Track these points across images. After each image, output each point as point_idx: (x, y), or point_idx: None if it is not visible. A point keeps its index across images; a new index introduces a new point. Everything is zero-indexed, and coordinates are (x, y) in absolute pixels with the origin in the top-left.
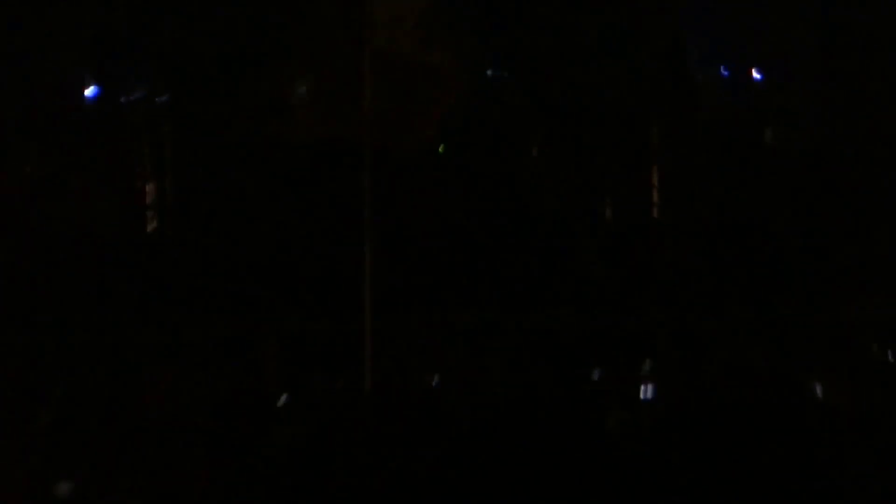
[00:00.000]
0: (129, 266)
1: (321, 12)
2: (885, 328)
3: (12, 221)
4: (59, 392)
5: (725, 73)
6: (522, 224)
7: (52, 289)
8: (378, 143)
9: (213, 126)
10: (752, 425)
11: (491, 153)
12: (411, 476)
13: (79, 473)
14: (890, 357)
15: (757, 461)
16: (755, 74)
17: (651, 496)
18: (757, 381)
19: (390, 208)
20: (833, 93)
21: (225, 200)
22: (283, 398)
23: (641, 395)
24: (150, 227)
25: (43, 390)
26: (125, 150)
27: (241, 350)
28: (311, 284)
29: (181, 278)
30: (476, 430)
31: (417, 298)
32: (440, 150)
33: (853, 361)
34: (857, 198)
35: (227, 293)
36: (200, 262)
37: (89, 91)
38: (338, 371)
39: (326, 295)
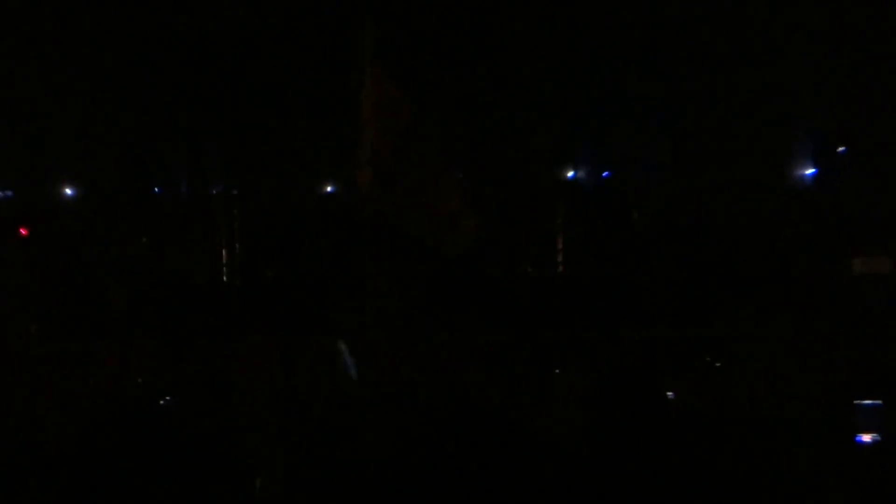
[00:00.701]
0: (211, 300)
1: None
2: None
3: (134, 273)
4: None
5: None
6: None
7: (160, 317)
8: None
9: (268, 212)
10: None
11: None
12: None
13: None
14: (717, 365)
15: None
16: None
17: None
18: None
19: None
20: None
21: (271, 261)
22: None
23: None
24: (225, 277)
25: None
26: (210, 227)
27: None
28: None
29: (243, 309)
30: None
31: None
32: None
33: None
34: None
35: (271, 318)
36: (255, 300)
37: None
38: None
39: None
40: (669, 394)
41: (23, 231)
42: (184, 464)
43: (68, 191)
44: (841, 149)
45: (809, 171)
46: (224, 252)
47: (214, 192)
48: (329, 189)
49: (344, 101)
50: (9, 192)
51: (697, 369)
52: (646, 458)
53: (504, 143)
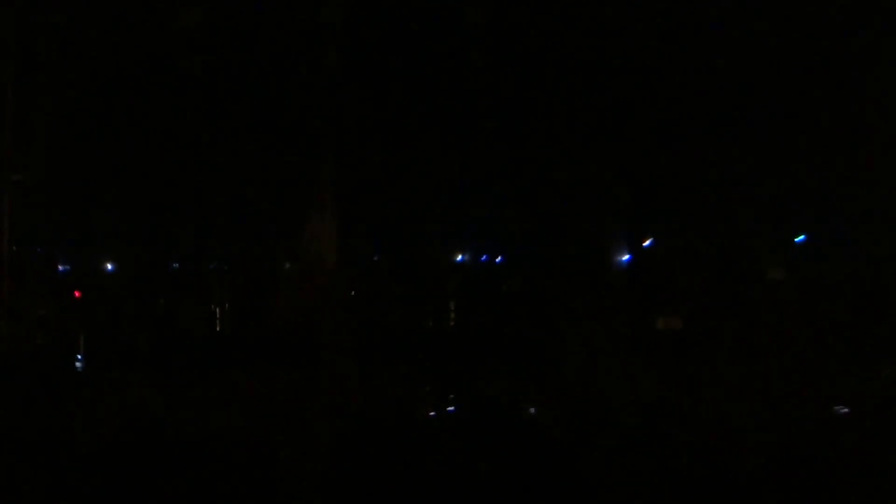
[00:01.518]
0: (207, 344)
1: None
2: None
3: (155, 324)
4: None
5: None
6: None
7: (172, 355)
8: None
9: (251, 282)
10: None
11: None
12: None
13: None
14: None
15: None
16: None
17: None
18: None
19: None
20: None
21: (252, 315)
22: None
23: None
24: (218, 328)
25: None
26: (207, 294)
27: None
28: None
29: (233, 352)
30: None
31: None
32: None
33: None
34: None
35: (255, 358)
36: (240, 345)
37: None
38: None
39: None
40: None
41: (76, 294)
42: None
43: (109, 266)
44: (648, 242)
45: (625, 257)
46: (217, 310)
47: (211, 267)
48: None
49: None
50: (67, 267)
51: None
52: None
53: (415, 242)
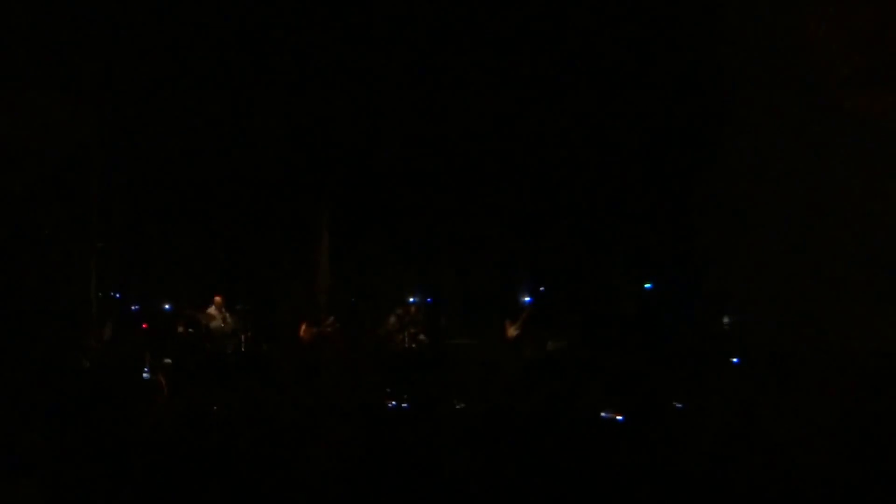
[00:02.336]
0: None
1: None
2: None
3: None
4: None
5: None
6: None
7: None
8: None
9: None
10: None
11: None
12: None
13: None
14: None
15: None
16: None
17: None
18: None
19: None
20: None
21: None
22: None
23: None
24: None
25: None
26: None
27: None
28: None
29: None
30: None
31: None
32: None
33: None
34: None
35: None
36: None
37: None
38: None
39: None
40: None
41: (144, 325)
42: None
43: (166, 306)
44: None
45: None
46: (243, 337)
47: (237, 307)
48: None
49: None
50: (136, 306)
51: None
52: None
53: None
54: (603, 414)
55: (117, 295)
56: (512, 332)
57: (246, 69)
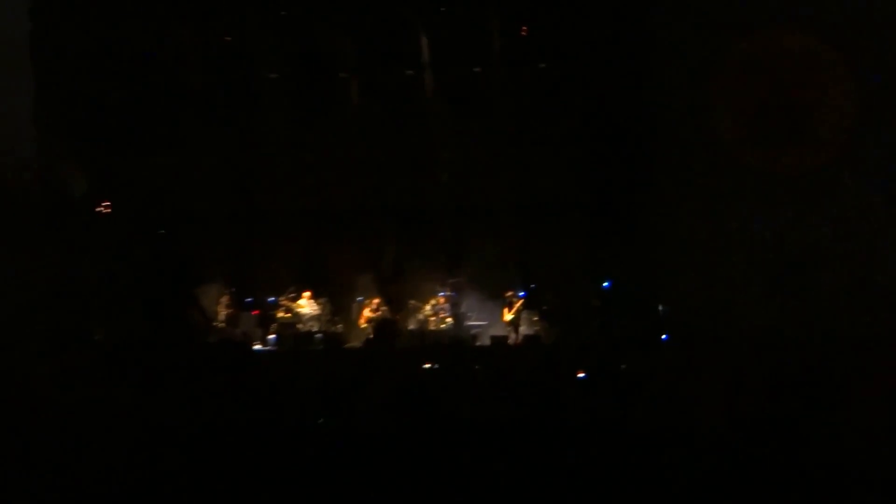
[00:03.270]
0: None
1: None
2: None
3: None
4: None
5: None
6: None
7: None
8: None
9: None
10: None
11: None
12: None
13: None
14: None
15: None
16: None
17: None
18: None
19: None
20: None
21: None
22: None
23: None
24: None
25: None
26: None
27: None
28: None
29: None
30: None
31: None
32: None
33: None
34: None
35: None
36: None
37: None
38: None
39: None
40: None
41: (255, 312)
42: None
43: (270, 298)
44: None
45: None
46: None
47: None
48: None
49: None
50: (250, 299)
51: None
52: None
53: None
54: (580, 375)
55: (232, 290)
56: (508, 316)
57: None
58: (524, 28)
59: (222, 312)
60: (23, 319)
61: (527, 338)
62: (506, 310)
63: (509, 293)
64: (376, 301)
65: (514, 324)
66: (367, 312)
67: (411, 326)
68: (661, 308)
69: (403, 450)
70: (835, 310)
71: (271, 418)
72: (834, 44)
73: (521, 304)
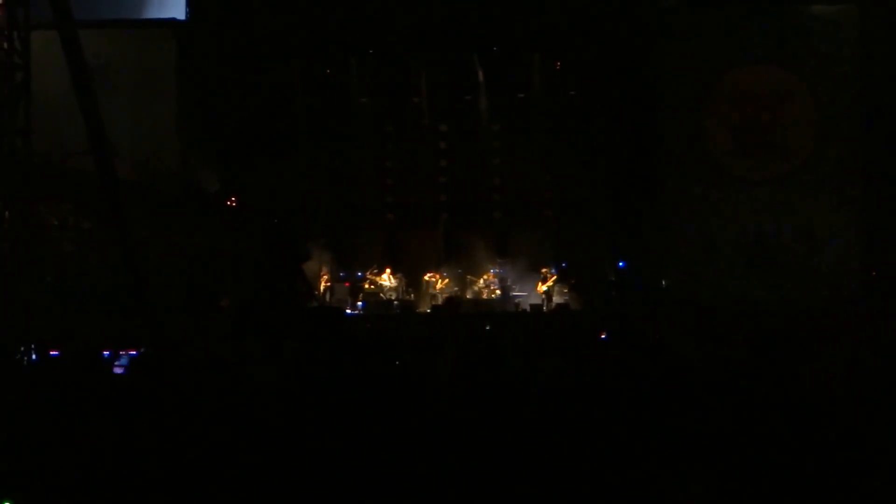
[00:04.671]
0: None
1: None
2: None
3: None
4: None
5: None
6: None
7: None
8: None
9: None
10: None
11: None
12: None
13: None
14: None
15: None
16: None
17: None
18: None
19: None
20: None
21: None
22: None
23: None
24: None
25: None
26: None
27: None
28: None
29: None
30: None
31: None
32: None
33: None
34: None
35: None
36: None
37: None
38: None
39: None
40: None
41: (346, 284)
42: None
43: (359, 273)
44: None
45: None
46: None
47: None
48: None
49: None
50: (343, 273)
51: None
52: None
53: None
54: (602, 336)
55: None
56: (542, 287)
57: None
58: (557, 62)
59: (321, 284)
60: (168, 287)
61: (559, 306)
62: (540, 283)
63: (544, 270)
64: (441, 276)
65: (549, 294)
66: (434, 285)
67: (468, 296)
68: (663, 282)
69: (464, 394)
70: (793, 284)
71: (359, 366)
72: (799, 75)
73: (554, 279)
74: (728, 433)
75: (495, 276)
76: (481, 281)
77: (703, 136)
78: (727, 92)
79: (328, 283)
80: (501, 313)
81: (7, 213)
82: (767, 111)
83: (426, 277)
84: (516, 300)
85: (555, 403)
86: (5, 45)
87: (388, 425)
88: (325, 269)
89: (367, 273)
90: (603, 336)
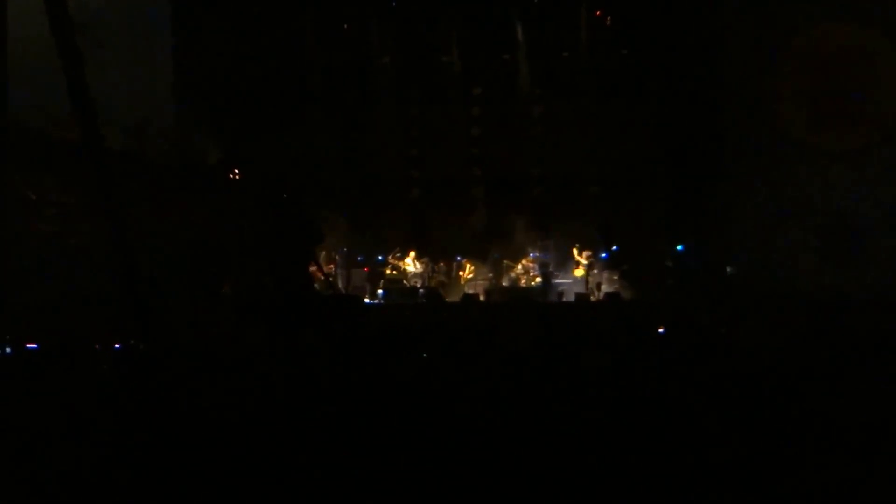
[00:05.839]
0: None
1: None
2: None
3: None
4: None
5: None
6: None
7: None
8: None
9: None
10: None
11: None
12: None
13: None
14: None
15: None
16: None
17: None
18: None
19: None
20: None
21: None
22: None
23: None
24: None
25: None
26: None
27: None
28: None
29: None
30: None
31: None
32: None
33: None
34: None
35: None
36: None
37: None
38: None
39: None
40: None
41: (366, 269)
42: None
43: (379, 257)
44: None
45: None
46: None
47: None
48: None
49: None
50: (361, 257)
51: None
52: None
53: None
54: (660, 330)
55: (345, 250)
56: (577, 272)
57: None
58: (607, 17)
59: (337, 269)
60: (163, 271)
61: (608, 295)
62: (578, 267)
63: (584, 253)
64: (472, 261)
65: (597, 282)
66: (465, 271)
67: (504, 283)
68: (728, 270)
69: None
70: (877, 273)
71: (379, 359)
72: (885, 35)
73: (588, 261)
74: (808, 450)
75: (535, 261)
76: (519, 267)
77: (774, 104)
78: (801, 53)
79: (345, 269)
80: (542, 303)
81: None
82: (847, 75)
83: (457, 262)
84: (559, 288)
85: (605, 410)
86: None
87: (412, 432)
88: (341, 253)
89: (389, 257)
90: (661, 330)
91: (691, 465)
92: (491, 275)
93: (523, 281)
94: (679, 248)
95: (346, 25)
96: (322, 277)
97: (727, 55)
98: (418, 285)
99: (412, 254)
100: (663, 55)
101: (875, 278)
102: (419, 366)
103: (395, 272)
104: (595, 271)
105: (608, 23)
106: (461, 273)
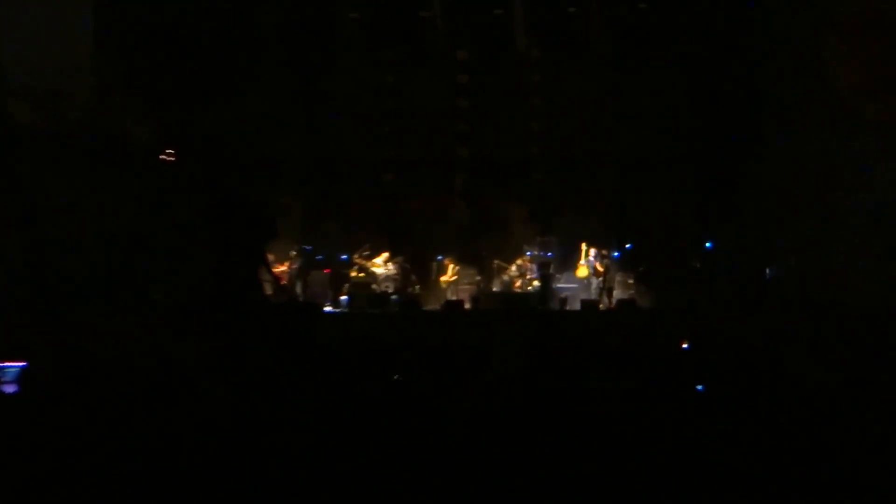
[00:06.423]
0: None
1: None
2: None
3: None
4: None
5: None
6: None
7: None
8: None
9: None
10: None
11: None
12: None
13: None
14: None
15: None
16: None
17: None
18: None
19: None
20: None
21: None
22: None
23: None
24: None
25: None
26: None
27: None
28: None
29: None
30: None
31: None
32: None
33: None
34: None
35: None
36: None
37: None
38: None
39: None
40: None
41: (327, 270)
42: None
43: (343, 256)
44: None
45: None
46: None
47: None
48: None
49: None
50: (321, 256)
51: None
52: None
53: None
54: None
55: (308, 248)
56: (578, 273)
57: None
58: None
59: (291, 270)
60: (80, 272)
61: (621, 302)
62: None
63: (591, 251)
64: (456, 261)
65: (609, 287)
66: (447, 273)
67: (495, 288)
68: (767, 272)
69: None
70: None
71: (342, 382)
72: None
73: (603, 264)
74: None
75: (533, 260)
76: (514, 268)
77: (823, 71)
78: (855, 13)
79: (299, 269)
80: (541, 313)
81: None
82: None
83: (438, 262)
84: (562, 294)
85: (619, 449)
86: None
87: (379, 476)
88: (295, 250)
89: (356, 256)
90: (684, 346)
91: None
92: (479, 278)
93: (518, 285)
94: (708, 245)
95: None
96: (273, 280)
97: (769, 16)
98: (390, 290)
99: (384, 254)
100: (691, 12)
101: None
102: (390, 390)
103: (362, 274)
104: (608, 274)
105: None
106: (442, 276)
